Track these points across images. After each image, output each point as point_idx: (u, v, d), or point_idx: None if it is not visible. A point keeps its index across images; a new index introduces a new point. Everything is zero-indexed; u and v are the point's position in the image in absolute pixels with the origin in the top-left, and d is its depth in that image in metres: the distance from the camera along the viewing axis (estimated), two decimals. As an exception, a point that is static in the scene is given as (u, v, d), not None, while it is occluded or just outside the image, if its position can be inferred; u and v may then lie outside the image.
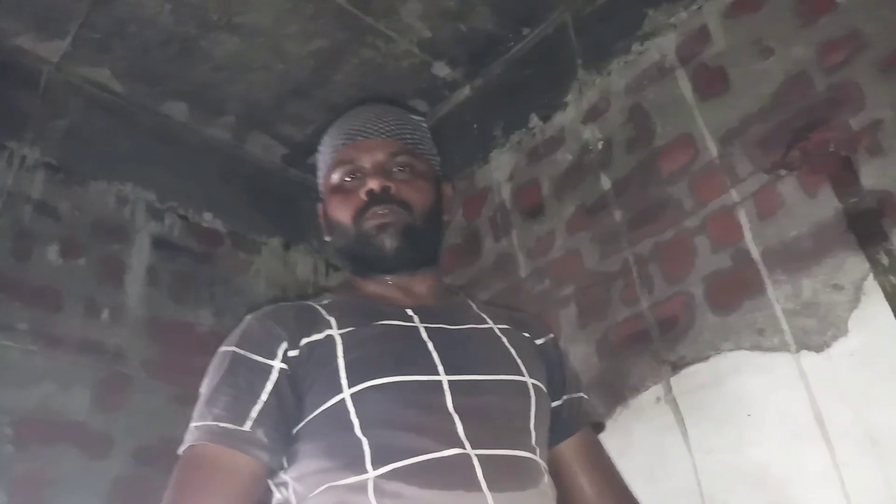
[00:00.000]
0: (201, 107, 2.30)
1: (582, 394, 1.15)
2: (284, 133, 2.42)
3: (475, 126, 2.24)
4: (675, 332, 1.60)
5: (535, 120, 2.08)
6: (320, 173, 1.17)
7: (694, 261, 1.62)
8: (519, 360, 1.02)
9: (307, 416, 0.93)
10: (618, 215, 1.79)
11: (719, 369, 1.50)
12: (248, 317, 1.02)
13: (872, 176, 1.40)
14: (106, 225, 2.07)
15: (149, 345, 1.99)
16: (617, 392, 1.64)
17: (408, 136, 1.13)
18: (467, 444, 0.89)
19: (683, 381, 1.55)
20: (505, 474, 0.89)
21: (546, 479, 0.96)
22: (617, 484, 1.11)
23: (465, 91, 2.31)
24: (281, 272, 2.40)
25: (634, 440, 1.57)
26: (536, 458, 0.96)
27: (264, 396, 0.92)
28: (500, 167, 2.12)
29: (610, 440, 1.58)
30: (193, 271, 2.19)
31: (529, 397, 0.99)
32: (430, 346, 0.98)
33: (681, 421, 1.52)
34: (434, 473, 0.86)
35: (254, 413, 0.91)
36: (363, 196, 1.06)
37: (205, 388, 0.97)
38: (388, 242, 1.04)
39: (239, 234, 2.35)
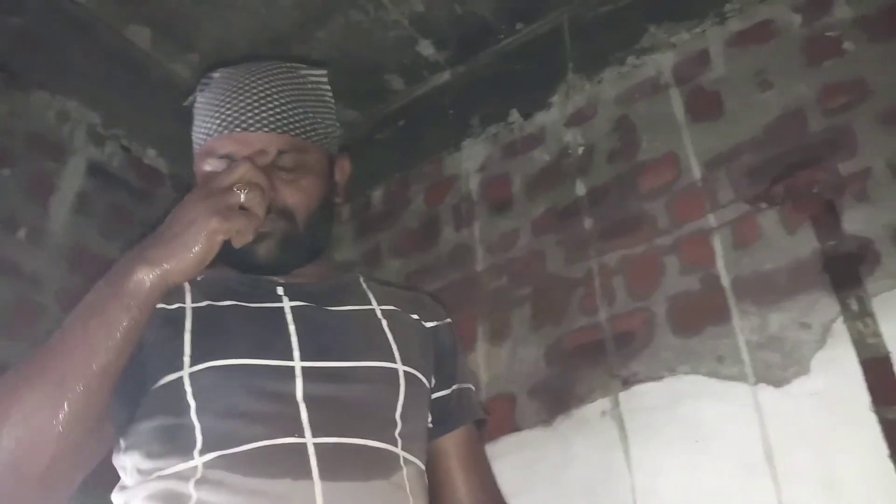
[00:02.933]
0: (168, 38, 2.14)
1: (471, 385, 1.10)
2: (250, 83, 2.29)
3: (451, 112, 2.17)
4: (632, 347, 1.56)
5: (515, 115, 2.02)
6: (194, 146, 1.03)
7: (661, 279, 1.59)
8: (394, 346, 0.97)
9: (148, 387, 0.88)
10: (588, 223, 1.74)
11: (672, 391, 1.46)
12: None
13: (856, 222, 1.40)
14: (41, 139, 1.90)
15: (68, 275, 1.83)
16: (561, 400, 1.59)
17: (297, 123, 0.99)
18: (308, 433, 0.85)
19: (633, 398, 1.50)
20: (347, 464, 0.86)
21: (405, 471, 0.91)
22: (491, 489, 1.08)
23: (446, 75, 2.23)
24: (220, 227, 2.26)
25: (574, 452, 1.51)
26: (396, 449, 0.91)
27: None
28: (472, 157, 2.05)
29: (548, 448, 1.55)
30: (128, 207, 2.04)
31: (398, 385, 0.94)
32: (293, 328, 0.93)
33: (625, 438, 1.47)
34: (262, 461, 0.83)
35: None
36: None
37: None
38: (263, 252, 0.95)
39: (181, 179, 2.20)
